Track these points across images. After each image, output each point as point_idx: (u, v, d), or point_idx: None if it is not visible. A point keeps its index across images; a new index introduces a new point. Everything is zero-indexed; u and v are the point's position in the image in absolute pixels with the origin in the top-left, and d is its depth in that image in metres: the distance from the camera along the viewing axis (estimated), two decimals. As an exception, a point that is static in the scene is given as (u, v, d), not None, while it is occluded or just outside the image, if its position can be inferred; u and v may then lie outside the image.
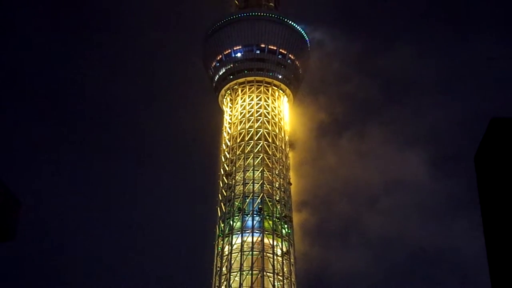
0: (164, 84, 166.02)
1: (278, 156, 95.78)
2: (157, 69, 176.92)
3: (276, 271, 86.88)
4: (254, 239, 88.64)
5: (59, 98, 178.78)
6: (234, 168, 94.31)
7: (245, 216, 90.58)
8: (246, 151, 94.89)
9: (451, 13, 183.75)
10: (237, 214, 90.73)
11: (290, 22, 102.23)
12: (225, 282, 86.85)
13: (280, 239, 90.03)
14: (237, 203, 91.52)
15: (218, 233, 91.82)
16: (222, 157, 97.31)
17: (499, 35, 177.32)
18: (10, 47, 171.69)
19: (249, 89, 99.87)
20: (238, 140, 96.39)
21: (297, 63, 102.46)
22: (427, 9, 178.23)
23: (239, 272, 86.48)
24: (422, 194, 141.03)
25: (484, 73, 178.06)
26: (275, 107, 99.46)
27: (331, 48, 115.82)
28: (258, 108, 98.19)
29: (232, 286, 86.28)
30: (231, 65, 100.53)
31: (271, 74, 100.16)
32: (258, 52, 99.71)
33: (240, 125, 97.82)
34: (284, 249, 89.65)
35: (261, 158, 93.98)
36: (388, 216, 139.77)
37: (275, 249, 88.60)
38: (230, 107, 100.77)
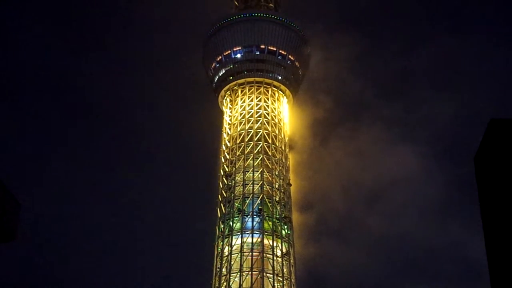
0: (164, 85, 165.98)
1: (278, 157, 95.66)
2: (157, 70, 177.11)
3: (276, 272, 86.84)
4: (254, 240, 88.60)
5: (59, 99, 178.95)
6: (234, 169, 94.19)
7: (245, 217, 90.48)
8: (246, 152, 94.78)
9: (449, 12, 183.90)
10: (237, 215, 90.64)
11: (289, 23, 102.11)
12: (225, 283, 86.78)
13: (280, 240, 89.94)
14: (237, 204, 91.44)
15: (217, 234, 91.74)
16: (222, 158, 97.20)
17: (499, 34, 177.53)
18: (9, 49, 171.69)
19: (249, 90, 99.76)
20: (238, 141, 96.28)
21: (296, 64, 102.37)
22: (424, 7, 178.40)
23: (239, 273, 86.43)
24: (420, 191, 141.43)
25: (483, 72, 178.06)
26: (274, 108, 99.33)
27: (330, 48, 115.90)
28: (258, 109, 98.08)
29: (232, 287, 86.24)
30: (231, 66, 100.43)
31: (270, 75, 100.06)
32: (258, 53, 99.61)
33: (240, 126, 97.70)
34: (284, 250, 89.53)
35: (261, 159, 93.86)
36: (387, 214, 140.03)
37: (275, 250, 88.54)
38: (230, 108, 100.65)
